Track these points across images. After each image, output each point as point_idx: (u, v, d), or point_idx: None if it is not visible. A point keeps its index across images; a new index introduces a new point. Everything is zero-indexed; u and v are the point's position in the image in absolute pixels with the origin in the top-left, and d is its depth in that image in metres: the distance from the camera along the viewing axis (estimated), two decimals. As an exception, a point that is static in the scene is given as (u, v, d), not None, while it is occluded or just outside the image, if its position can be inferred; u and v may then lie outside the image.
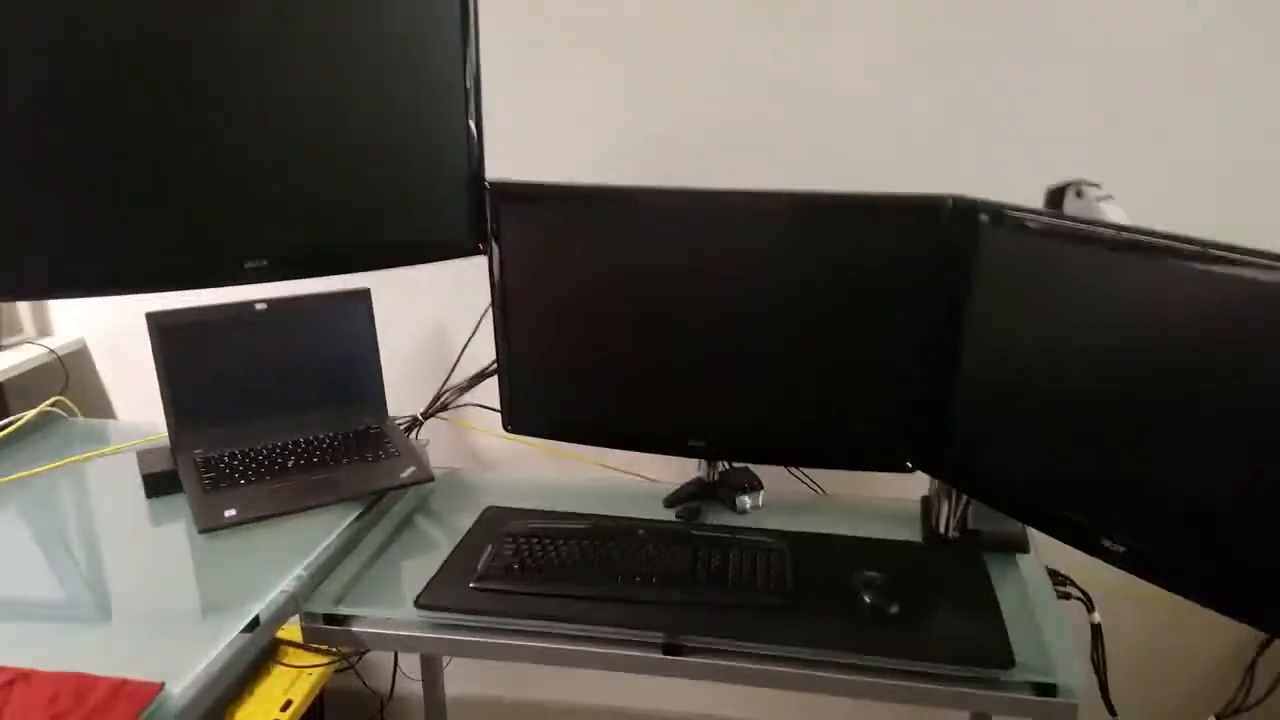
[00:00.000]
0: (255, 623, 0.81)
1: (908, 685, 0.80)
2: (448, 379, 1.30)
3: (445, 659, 1.37)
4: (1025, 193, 0.91)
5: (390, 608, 0.89)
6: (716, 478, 1.11)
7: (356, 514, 1.01)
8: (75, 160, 0.89)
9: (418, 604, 0.88)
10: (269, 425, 1.09)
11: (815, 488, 1.19)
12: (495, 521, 1.02)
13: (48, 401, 1.26)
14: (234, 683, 1.22)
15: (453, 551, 0.97)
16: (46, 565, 0.90)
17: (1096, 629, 1.00)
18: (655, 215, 0.98)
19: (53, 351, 1.37)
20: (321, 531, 0.97)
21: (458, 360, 1.29)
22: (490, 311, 1.08)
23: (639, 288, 1.01)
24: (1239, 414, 0.72)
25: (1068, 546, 0.86)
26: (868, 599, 0.86)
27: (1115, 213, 0.87)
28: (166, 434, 1.06)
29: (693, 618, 0.85)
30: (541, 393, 1.09)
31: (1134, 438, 0.79)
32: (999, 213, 0.86)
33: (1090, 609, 0.99)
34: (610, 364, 1.05)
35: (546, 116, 1.27)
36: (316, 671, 1.28)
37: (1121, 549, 0.81)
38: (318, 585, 0.91)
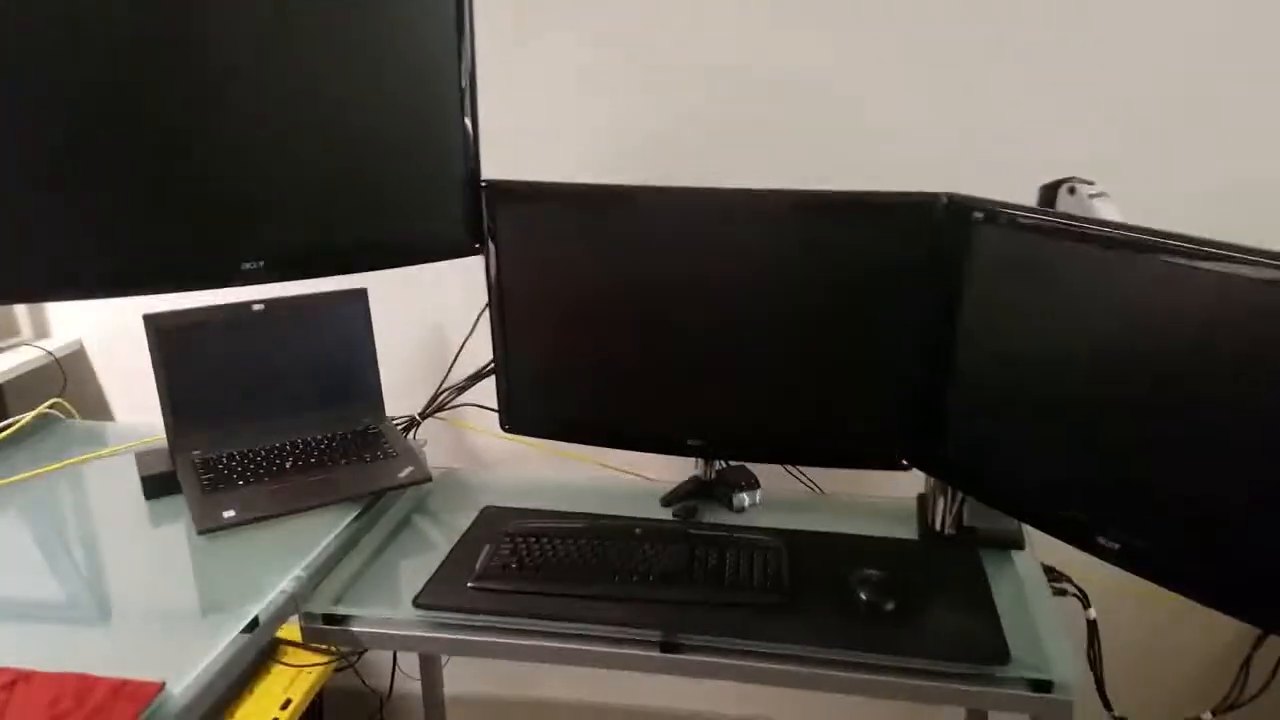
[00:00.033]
0: (255, 623, 0.82)
1: (904, 682, 0.81)
2: (445, 379, 1.30)
3: (444, 658, 1.37)
4: (1021, 190, 0.92)
5: (389, 607, 0.90)
6: (713, 476, 1.11)
7: (355, 514, 1.02)
8: (72, 163, 0.89)
9: (416, 603, 0.88)
10: (267, 426, 1.09)
11: (812, 486, 1.20)
12: (493, 521, 1.02)
13: (46, 403, 1.26)
14: (234, 682, 1.22)
15: (451, 551, 0.97)
16: (47, 567, 0.90)
17: (1092, 625, 1.01)
18: (650, 214, 0.98)
19: (50, 353, 1.37)
20: (320, 532, 0.97)
21: (455, 360, 1.30)
22: (487, 311, 1.08)
23: (635, 287, 1.01)
24: (1234, 412, 0.72)
25: (1063, 543, 0.87)
26: (864, 596, 0.87)
27: (1108, 210, 0.88)
28: (165, 435, 1.06)
29: (690, 616, 0.85)
30: (539, 392, 1.09)
31: (1128, 435, 0.79)
32: (993, 211, 0.86)
33: (1086, 605, 1.00)
34: (607, 363, 1.05)
35: (543, 116, 1.27)
36: (316, 670, 1.28)
37: (1116, 546, 0.82)
38: (317, 585, 0.92)
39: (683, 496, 1.10)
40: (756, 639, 0.83)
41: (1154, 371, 0.76)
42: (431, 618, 0.88)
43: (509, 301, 1.06)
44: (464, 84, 1.07)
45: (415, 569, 0.95)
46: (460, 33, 1.06)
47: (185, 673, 0.74)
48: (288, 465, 1.04)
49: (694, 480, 1.12)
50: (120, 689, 0.70)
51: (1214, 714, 1.23)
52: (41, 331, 1.45)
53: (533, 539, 0.95)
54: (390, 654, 1.51)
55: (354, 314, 1.14)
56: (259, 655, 1.27)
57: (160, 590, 0.87)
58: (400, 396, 1.23)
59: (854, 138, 1.21)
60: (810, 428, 1.03)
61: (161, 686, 0.71)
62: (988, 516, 0.99)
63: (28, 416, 1.23)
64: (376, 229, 1.07)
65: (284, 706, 1.21)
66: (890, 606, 0.86)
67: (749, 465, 1.12)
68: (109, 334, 1.45)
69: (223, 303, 1.06)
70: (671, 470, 1.14)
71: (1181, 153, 1.16)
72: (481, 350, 1.16)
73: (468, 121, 1.08)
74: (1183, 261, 0.73)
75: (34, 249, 0.90)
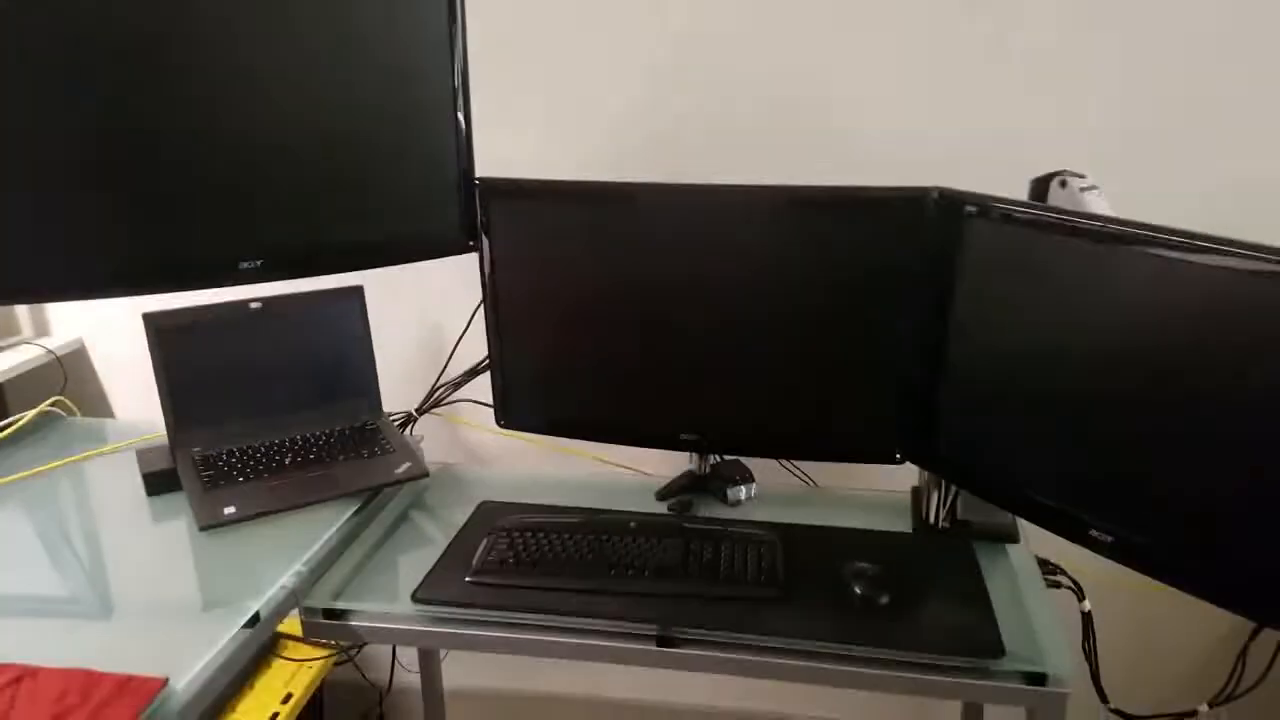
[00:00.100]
0: (256, 618, 0.83)
1: (899, 675, 0.81)
2: (441, 375, 1.31)
3: (442, 652, 1.38)
4: (1018, 191, 0.92)
5: (388, 602, 0.90)
6: (708, 470, 1.12)
7: (353, 510, 1.03)
8: (71, 165, 0.89)
9: (415, 598, 0.89)
10: (266, 423, 1.10)
11: (806, 479, 1.20)
12: (490, 516, 1.03)
13: (47, 402, 1.27)
14: (235, 677, 1.23)
15: (448, 546, 0.98)
16: (49, 564, 0.91)
17: (1087, 617, 1.01)
18: (643, 211, 0.99)
19: (51, 352, 1.38)
20: (319, 527, 0.98)
21: (450, 356, 1.30)
22: (482, 308, 1.09)
23: (628, 283, 1.02)
24: (1225, 404, 0.72)
25: (1057, 536, 0.87)
26: (858, 590, 0.87)
27: (1099, 204, 0.88)
28: (165, 433, 1.07)
29: (685, 610, 0.86)
30: (533, 388, 1.10)
31: (1120, 429, 0.80)
32: (984, 205, 0.87)
33: (1081, 598, 1.00)
34: (601, 359, 1.06)
35: (539, 115, 1.27)
36: (316, 665, 1.29)
37: (1109, 539, 0.82)
38: (316, 580, 0.93)
39: (677, 491, 1.10)
40: (751, 633, 0.83)
41: (1145, 365, 0.77)
42: (430, 612, 0.89)
43: (503, 298, 1.07)
44: (456, 82, 1.07)
45: (413, 564, 0.96)
46: (452, 31, 1.06)
47: (188, 668, 0.75)
48: (287, 461, 1.05)
49: (688, 475, 1.12)
50: (124, 685, 0.71)
51: (1210, 706, 1.23)
52: (42, 330, 1.46)
53: (529, 534, 0.96)
54: (390, 648, 1.53)
55: (351, 311, 1.14)
56: (260, 650, 1.28)
57: (162, 586, 0.88)
58: (397, 393, 1.24)
59: (854, 139, 1.21)
60: (804, 422, 1.03)
61: (165, 682, 0.72)
62: (982, 510, 0.99)
63: (29, 414, 1.23)
64: (372, 228, 1.07)
65: (285, 700, 1.22)
66: (885, 600, 0.86)
67: (743, 459, 1.13)
68: (109, 332, 1.45)
69: (221, 301, 1.07)
70: (667, 465, 1.14)
71: (1179, 153, 1.16)
72: (477, 347, 1.17)
73: (461, 120, 1.09)
74: (1173, 255, 0.73)
75: (34, 251, 0.90)
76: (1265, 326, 0.69)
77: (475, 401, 1.29)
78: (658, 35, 1.22)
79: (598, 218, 1.01)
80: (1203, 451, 0.74)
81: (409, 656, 1.49)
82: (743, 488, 1.09)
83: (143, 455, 1.08)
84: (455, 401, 1.30)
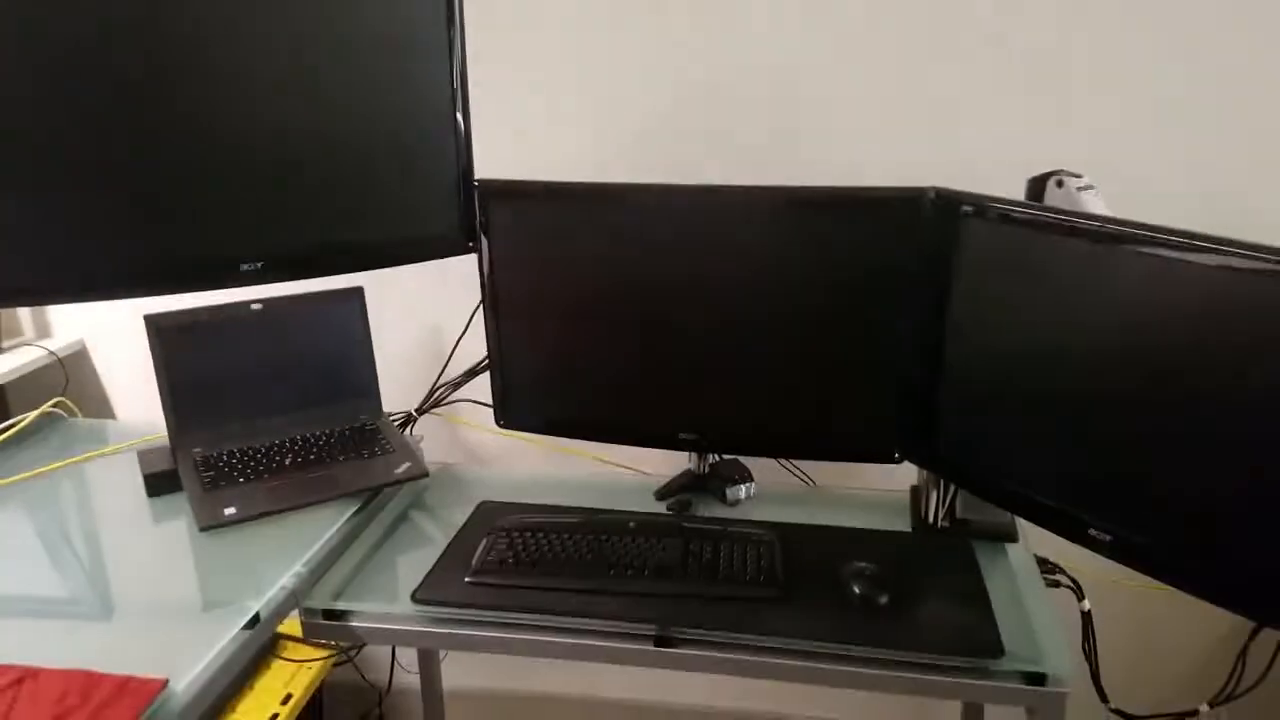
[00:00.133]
0: (256, 619, 0.83)
1: (898, 675, 0.81)
2: (441, 375, 1.31)
3: (442, 652, 1.38)
4: (1009, 185, 0.92)
5: (387, 602, 0.91)
6: (707, 470, 1.12)
7: (353, 510, 1.03)
8: (73, 167, 0.90)
9: (414, 598, 0.89)
10: (266, 423, 1.11)
11: (804, 479, 1.20)
12: (489, 516, 1.03)
13: (49, 403, 1.27)
14: (235, 678, 1.23)
15: (448, 546, 0.98)
16: (50, 564, 0.91)
17: (1087, 617, 1.01)
18: (640, 212, 0.99)
19: (53, 353, 1.39)
20: (319, 528, 0.98)
21: (450, 357, 1.30)
22: (481, 308, 1.09)
23: (626, 283, 1.02)
24: (1222, 404, 0.72)
25: (1057, 535, 0.87)
26: (857, 589, 0.87)
27: (1096, 203, 0.88)
28: (166, 433, 1.07)
29: (684, 610, 0.86)
30: (532, 388, 1.10)
31: (1117, 428, 0.80)
32: (980, 205, 0.87)
33: (1080, 597, 1.00)
34: (599, 359, 1.06)
35: (536, 115, 1.27)
36: (316, 665, 1.29)
37: (1108, 538, 0.82)
38: (316, 581, 0.93)
39: (676, 490, 1.10)
40: (751, 633, 0.84)
41: (1142, 365, 0.77)
42: (429, 612, 0.89)
43: (503, 299, 1.07)
44: (455, 84, 1.08)
45: (413, 564, 0.96)
46: (451, 33, 1.06)
47: (188, 669, 0.75)
48: (287, 462, 1.05)
49: (687, 474, 1.12)
50: (124, 686, 0.71)
51: (1211, 706, 1.23)
52: (44, 332, 1.46)
53: (528, 534, 0.96)
54: (389, 648, 1.53)
55: (351, 312, 1.14)
56: (260, 650, 1.28)
57: (162, 587, 0.88)
58: (397, 393, 1.24)
59: (848, 138, 1.22)
60: (803, 421, 1.03)
61: (165, 683, 0.72)
62: (981, 509, 0.99)
63: (31, 416, 1.24)
64: (372, 229, 1.07)
65: (284, 701, 1.23)
66: (884, 600, 0.86)
67: (742, 458, 1.13)
68: (110, 334, 1.46)
69: (222, 302, 1.07)
70: (667, 464, 1.15)
71: (1177, 154, 1.16)
72: (476, 347, 1.17)
73: (460, 121, 1.09)
74: (1170, 254, 0.73)
75: (35, 253, 0.90)
76: (1262, 326, 0.69)
77: (475, 401, 1.29)
78: (657, 37, 1.22)
79: (596, 219, 1.01)
80: (1200, 451, 0.74)
81: (408, 657, 1.49)
82: (742, 487, 1.09)
83: (143, 456, 1.08)
84: (455, 401, 1.31)
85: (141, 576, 0.90)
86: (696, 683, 1.56)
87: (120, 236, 0.94)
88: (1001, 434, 0.90)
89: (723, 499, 1.08)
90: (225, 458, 1.05)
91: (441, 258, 1.11)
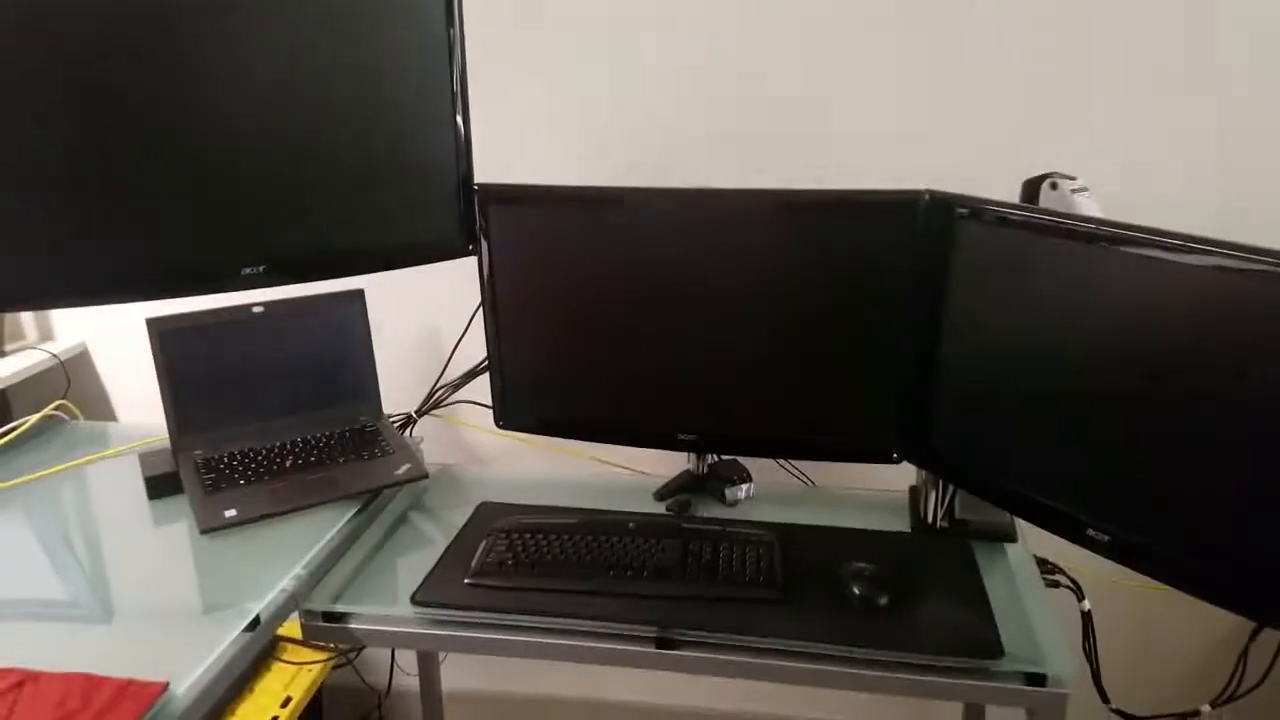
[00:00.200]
0: (256, 622, 0.83)
1: (898, 677, 0.81)
2: (440, 376, 1.31)
3: (441, 654, 1.38)
4: (1004, 186, 0.92)
5: (387, 604, 0.91)
6: (706, 470, 1.12)
7: (353, 512, 1.03)
8: (75, 172, 0.90)
9: (414, 600, 0.89)
10: (267, 425, 1.11)
11: (803, 479, 1.20)
12: (489, 517, 1.03)
13: (51, 406, 1.28)
14: (235, 680, 1.24)
15: (448, 548, 0.98)
16: (52, 567, 0.91)
17: (1087, 617, 1.01)
18: (637, 214, 0.99)
19: (55, 356, 1.39)
20: (320, 530, 0.98)
21: (450, 358, 1.31)
22: (481, 310, 1.09)
23: (625, 285, 1.02)
24: (1218, 404, 0.72)
25: (1055, 535, 0.87)
26: (857, 590, 0.87)
27: (1090, 205, 0.88)
28: (167, 436, 1.07)
29: (684, 611, 0.86)
30: (531, 389, 1.11)
31: (1113, 428, 0.80)
32: (975, 207, 0.87)
33: (1080, 597, 1.00)
34: (598, 360, 1.06)
35: (534, 118, 1.27)
36: (315, 668, 1.29)
37: (1106, 538, 0.82)
38: (316, 583, 0.93)
39: (675, 491, 1.10)
40: (750, 634, 0.83)
41: (1138, 364, 0.77)
42: (429, 614, 0.89)
43: (502, 301, 1.07)
44: (455, 87, 1.08)
45: (413, 565, 0.96)
46: (450, 36, 1.06)
47: (188, 672, 0.75)
48: (287, 464, 1.06)
49: (687, 474, 1.12)
50: (125, 689, 0.71)
51: (1213, 706, 1.23)
52: (46, 334, 1.47)
53: (528, 535, 0.96)
54: (388, 651, 1.53)
55: (352, 314, 1.15)
56: (260, 653, 1.29)
57: (163, 589, 0.88)
58: (397, 394, 1.24)
59: (844, 139, 1.22)
60: (801, 422, 1.03)
61: (165, 687, 0.72)
62: (980, 509, 0.99)
63: (33, 418, 1.24)
64: (373, 233, 1.08)
65: (284, 704, 1.23)
66: (883, 601, 0.86)
67: (741, 458, 1.13)
68: (112, 336, 1.46)
69: (223, 305, 1.08)
70: (665, 465, 1.15)
71: (1175, 154, 1.16)
72: (476, 348, 1.17)
73: (460, 124, 1.09)
74: (1163, 255, 0.73)
75: (39, 257, 0.91)
76: (1255, 327, 0.69)
77: (474, 403, 1.29)
78: (656, 42, 1.22)
79: (595, 221, 1.01)
80: (1197, 450, 0.74)
81: (408, 659, 1.49)
82: (741, 487, 1.09)
83: (145, 458, 1.09)
84: (455, 403, 1.31)
85: (142, 579, 0.90)
86: (698, 685, 1.56)
87: (122, 241, 0.94)
88: (999, 434, 0.90)
89: (722, 499, 1.08)
90: (226, 460, 1.05)
91: (441, 260, 1.11)
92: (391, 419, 1.20)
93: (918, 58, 1.18)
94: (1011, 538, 1.00)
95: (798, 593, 0.88)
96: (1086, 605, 1.00)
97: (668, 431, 1.07)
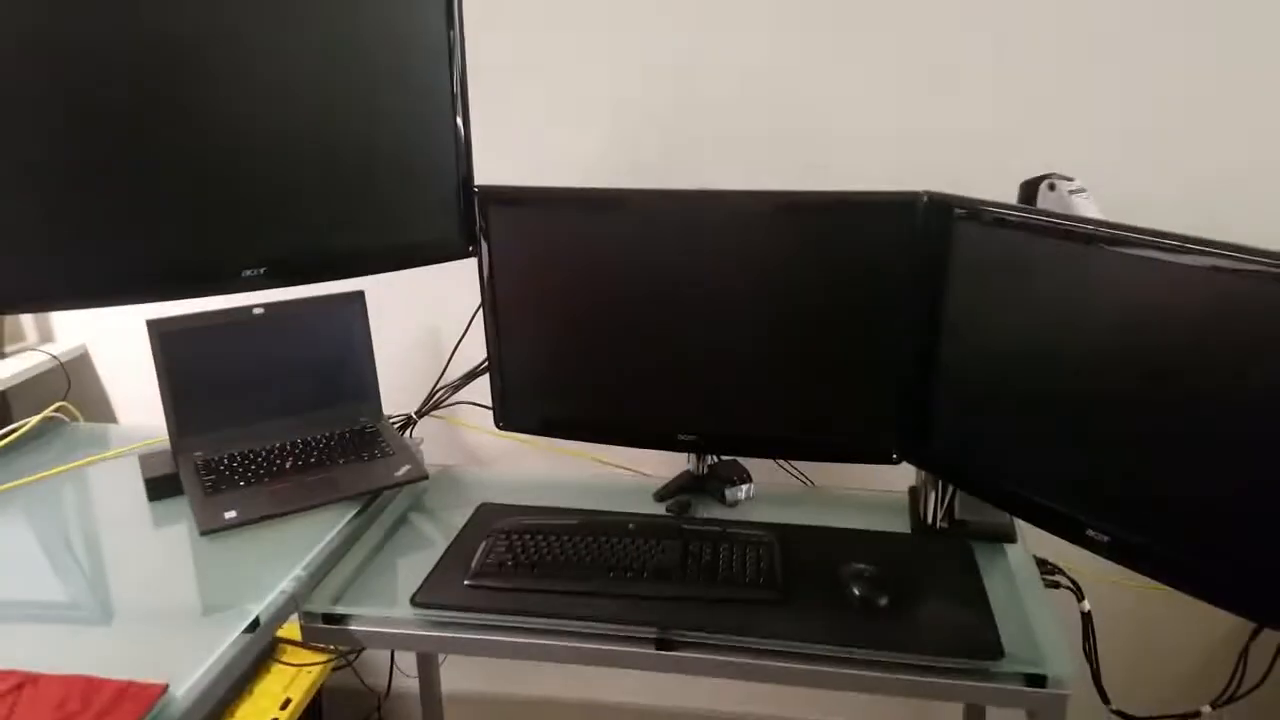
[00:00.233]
0: (256, 623, 0.83)
1: (898, 678, 0.81)
2: (440, 378, 1.32)
3: (441, 656, 1.38)
4: (1003, 187, 0.92)
5: (387, 606, 0.91)
6: (705, 471, 1.12)
7: (353, 513, 1.03)
8: (75, 174, 0.90)
9: (414, 602, 0.89)
10: (267, 427, 1.11)
11: (803, 479, 1.20)
12: (489, 518, 1.03)
13: (51, 407, 1.28)
14: (234, 682, 1.24)
15: (447, 549, 0.98)
16: (52, 569, 0.91)
17: (1087, 617, 1.01)
18: (639, 216, 0.99)
19: (55, 358, 1.39)
20: (319, 531, 0.98)
21: (450, 359, 1.31)
22: (481, 311, 1.09)
23: (625, 286, 1.02)
24: (1218, 404, 0.72)
25: (1054, 536, 0.87)
26: (857, 591, 0.87)
27: (1088, 206, 0.88)
28: (167, 437, 1.07)
29: (684, 612, 0.86)
30: (531, 390, 1.11)
31: (1112, 429, 0.80)
32: (973, 208, 0.87)
33: (1080, 598, 1.00)
34: (598, 360, 1.06)
35: (535, 119, 1.28)
36: (315, 669, 1.29)
37: (1105, 539, 0.82)
38: (316, 585, 0.93)
39: (675, 491, 1.10)
40: (750, 636, 0.83)
41: (1137, 365, 0.77)
42: (429, 616, 0.89)
43: (502, 302, 1.07)
44: (455, 89, 1.08)
45: (413, 567, 0.96)
46: (450, 38, 1.06)
47: (188, 673, 0.75)
48: (288, 465, 1.06)
49: (686, 475, 1.12)
50: (124, 691, 0.71)
51: (1213, 707, 1.23)
52: (46, 336, 1.47)
53: (528, 536, 0.96)
54: (388, 652, 1.53)
55: (352, 316, 1.15)
56: (259, 655, 1.29)
57: (163, 591, 0.88)
58: (397, 395, 1.24)
59: (843, 139, 1.22)
60: (801, 422, 1.03)
61: (165, 689, 0.72)
62: (979, 509, 0.99)
63: (33, 420, 1.24)
64: (373, 235, 1.08)
65: (283, 706, 1.23)
66: (883, 601, 0.86)
67: (740, 459, 1.13)
68: (113, 338, 1.46)
69: (224, 307, 1.08)
70: (665, 466, 1.15)
71: (1173, 155, 1.16)
72: (476, 349, 1.17)
73: (460, 126, 1.09)
74: (1161, 256, 0.73)
75: (40, 259, 0.91)
76: (1254, 327, 0.69)
77: (474, 404, 1.29)
78: (656, 43, 1.22)
79: (595, 223, 1.01)
80: (1197, 450, 0.74)
81: (407, 661, 1.49)
82: (741, 488, 1.09)
83: (145, 460, 1.09)
84: (455, 404, 1.31)
85: (142, 581, 0.90)
86: (698, 686, 1.56)
87: (122, 242, 0.94)
88: (999, 434, 0.90)
89: (722, 500, 1.09)
90: (226, 461, 1.05)
91: (441, 262, 1.11)
92: (392, 420, 1.20)
93: (918, 58, 1.18)
94: (1011, 538, 1.00)
95: (798, 593, 0.88)
96: (1086, 606, 1.00)
97: (668, 432, 1.07)
